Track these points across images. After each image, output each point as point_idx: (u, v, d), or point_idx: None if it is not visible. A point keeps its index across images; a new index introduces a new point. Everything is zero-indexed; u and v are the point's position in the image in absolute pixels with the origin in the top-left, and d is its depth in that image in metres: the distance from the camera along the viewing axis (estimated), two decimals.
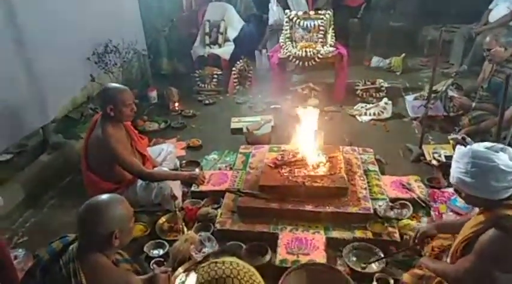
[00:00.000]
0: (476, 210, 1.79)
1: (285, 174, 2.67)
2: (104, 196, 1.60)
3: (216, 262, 1.28)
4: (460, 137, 2.88)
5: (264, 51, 5.17)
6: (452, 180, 1.70)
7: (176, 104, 4.39)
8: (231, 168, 3.13)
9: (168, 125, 4.04)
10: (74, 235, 1.64)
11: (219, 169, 3.16)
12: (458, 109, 3.48)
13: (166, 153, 3.14)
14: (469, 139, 2.88)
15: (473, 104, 3.33)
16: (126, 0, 4.55)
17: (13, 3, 2.96)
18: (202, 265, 1.33)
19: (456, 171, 1.66)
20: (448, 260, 1.81)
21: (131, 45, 4.16)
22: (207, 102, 4.58)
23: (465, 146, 1.70)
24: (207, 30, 5.15)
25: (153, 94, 4.58)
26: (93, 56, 3.83)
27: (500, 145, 1.65)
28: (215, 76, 4.86)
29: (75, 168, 3.08)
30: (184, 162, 3.27)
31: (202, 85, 4.87)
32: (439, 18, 5.77)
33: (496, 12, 4.70)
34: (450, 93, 3.51)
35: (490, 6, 4.83)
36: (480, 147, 1.63)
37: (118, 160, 2.57)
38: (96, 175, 2.67)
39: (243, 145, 3.43)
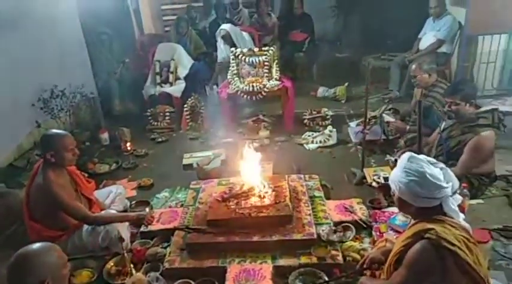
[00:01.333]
0: None
1: (232, 207, 2.72)
2: (34, 245, 1.59)
3: None
4: (393, 159, 3.06)
5: (214, 86, 5.31)
6: (389, 179, 1.83)
7: (128, 144, 4.38)
8: (181, 205, 3.15)
9: (119, 166, 4.02)
10: None
11: (170, 207, 3.17)
12: (395, 132, 3.72)
13: (114, 195, 3.12)
14: None
15: (408, 127, 3.58)
16: (73, 44, 4.60)
17: None
18: None
19: (393, 171, 1.80)
20: (384, 276, 1.91)
21: (78, 88, 4.17)
22: (159, 140, 4.62)
23: None
24: (158, 69, 5.26)
25: (105, 136, 4.56)
26: (39, 102, 3.82)
27: (442, 165, 1.76)
28: (167, 114, 4.93)
29: (20, 218, 2.98)
30: (133, 202, 3.25)
31: (155, 123, 4.92)
32: (379, 48, 6.23)
33: (425, 41, 5.11)
34: (386, 118, 3.75)
35: (420, 35, 5.25)
36: (422, 156, 1.76)
37: (61, 206, 2.54)
38: (39, 224, 2.61)
39: (194, 180, 3.47)
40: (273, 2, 7.61)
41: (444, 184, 1.67)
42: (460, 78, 4.42)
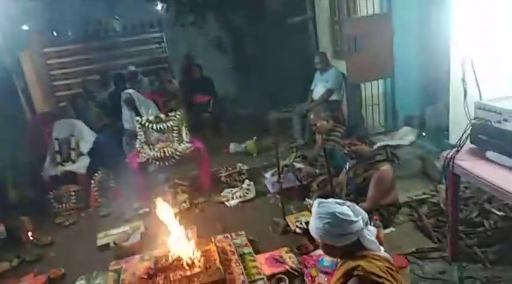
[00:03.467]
0: None
1: (160, 283, 2.55)
2: None
3: None
4: (311, 202, 3.22)
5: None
6: (309, 229, 1.88)
7: (30, 234, 3.92)
8: None
9: (22, 260, 3.54)
10: None
11: None
12: (307, 177, 3.94)
13: None
14: None
15: (317, 170, 3.82)
16: None
17: None
18: None
19: (310, 221, 1.86)
20: None
21: None
22: (67, 223, 4.22)
23: None
24: (57, 148, 4.91)
25: (1, 229, 4.02)
26: None
27: (349, 203, 1.88)
28: (73, 193, 4.57)
29: None
30: None
31: (60, 206, 4.51)
32: (279, 101, 6.68)
33: (317, 92, 5.65)
34: (297, 165, 3.97)
35: (312, 87, 5.80)
36: (330, 199, 1.87)
37: None
38: None
39: (113, 261, 3.19)
40: (172, 69, 7.83)
41: (354, 218, 1.79)
42: (352, 122, 4.92)
